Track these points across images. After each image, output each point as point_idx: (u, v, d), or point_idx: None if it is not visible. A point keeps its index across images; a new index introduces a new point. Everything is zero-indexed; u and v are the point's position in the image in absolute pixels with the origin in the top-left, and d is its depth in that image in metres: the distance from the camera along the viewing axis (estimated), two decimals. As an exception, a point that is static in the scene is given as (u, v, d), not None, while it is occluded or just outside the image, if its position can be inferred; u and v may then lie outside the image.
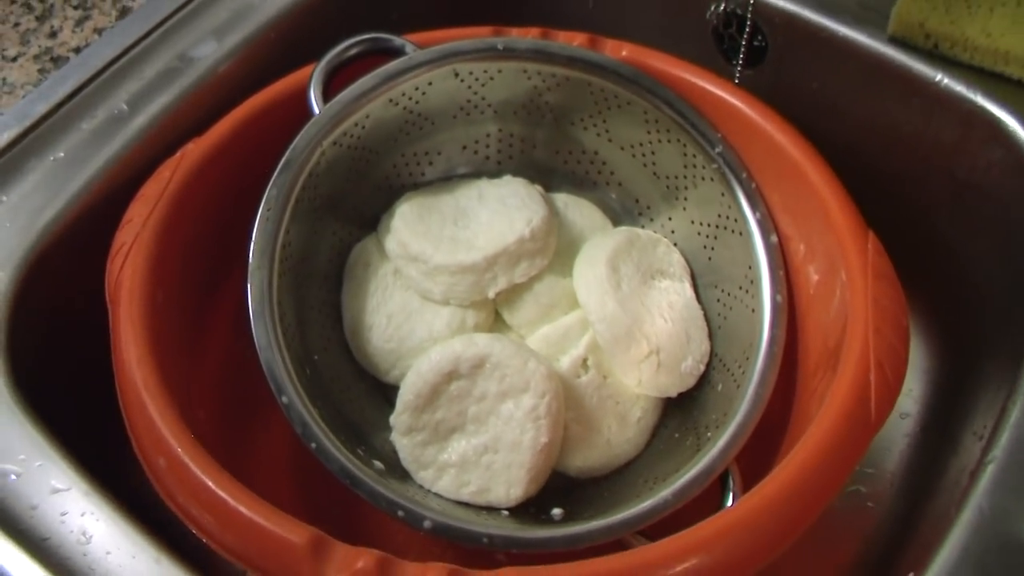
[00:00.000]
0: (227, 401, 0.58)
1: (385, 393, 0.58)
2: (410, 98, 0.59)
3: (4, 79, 0.63)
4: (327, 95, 0.57)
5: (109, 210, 0.53)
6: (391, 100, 0.58)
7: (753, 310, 0.56)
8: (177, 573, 0.43)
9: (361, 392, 0.59)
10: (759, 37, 0.61)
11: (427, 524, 0.47)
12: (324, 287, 0.60)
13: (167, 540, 0.45)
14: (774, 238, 0.56)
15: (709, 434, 0.54)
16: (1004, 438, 0.44)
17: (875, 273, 0.48)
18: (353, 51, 0.58)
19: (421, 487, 0.54)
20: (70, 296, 0.54)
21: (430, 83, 0.59)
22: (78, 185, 0.55)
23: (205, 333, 0.57)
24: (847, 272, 0.49)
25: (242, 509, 0.41)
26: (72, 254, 0.54)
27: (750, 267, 0.56)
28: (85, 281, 0.52)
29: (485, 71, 0.59)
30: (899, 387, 0.45)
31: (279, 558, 0.41)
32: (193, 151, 0.55)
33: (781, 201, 0.55)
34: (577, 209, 0.63)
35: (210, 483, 0.42)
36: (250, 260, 0.52)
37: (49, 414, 0.50)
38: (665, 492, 0.49)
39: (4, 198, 0.54)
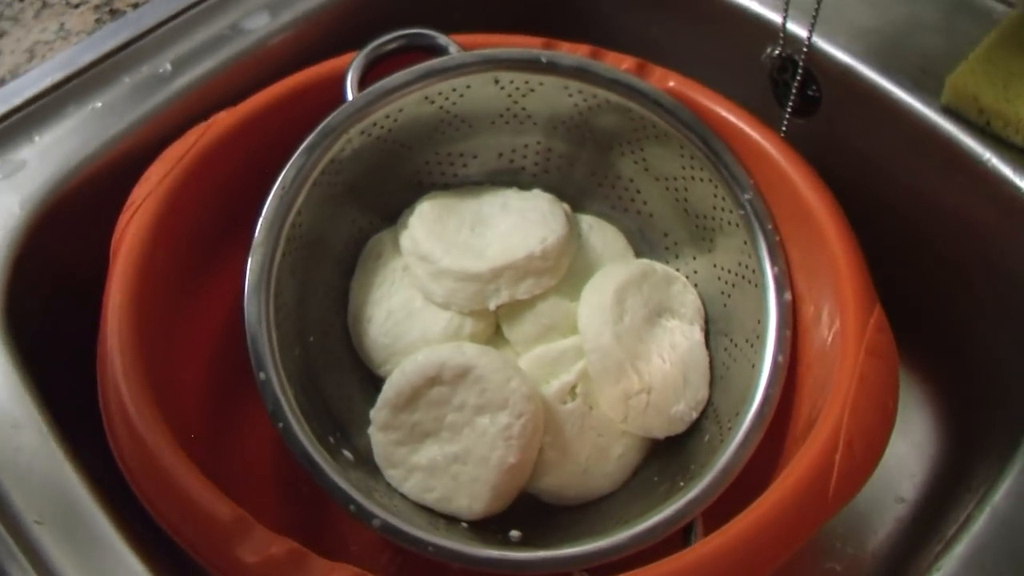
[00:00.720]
0: (215, 375, 0.58)
1: (377, 386, 0.58)
2: (447, 98, 0.59)
3: (62, 24, 0.65)
4: (364, 85, 0.57)
5: (135, 165, 0.54)
6: (427, 97, 0.58)
7: (753, 365, 0.54)
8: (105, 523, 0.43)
9: (353, 380, 0.59)
10: (813, 87, 0.59)
11: (376, 523, 0.47)
12: (335, 272, 0.60)
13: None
14: (788, 296, 0.54)
15: (682, 484, 0.52)
16: (959, 548, 0.41)
17: (869, 349, 0.45)
18: (395, 44, 0.58)
19: (388, 485, 0.54)
20: (81, 245, 0.54)
21: (468, 86, 0.58)
22: (110, 135, 0.57)
23: (202, 304, 0.57)
24: (842, 343, 0.47)
25: (178, 477, 0.42)
26: (92, 202, 0.55)
27: (759, 321, 0.55)
28: (98, 232, 0.53)
29: (526, 82, 0.59)
30: (869, 470, 0.43)
31: (203, 531, 0.41)
32: (223, 120, 0.56)
33: (800, 258, 0.53)
34: (601, 234, 0.62)
35: (152, 446, 0.43)
36: (255, 235, 0.53)
37: (44, 362, 0.51)
38: (622, 535, 0.48)
39: (37, 138, 0.56)
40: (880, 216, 0.54)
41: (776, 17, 0.57)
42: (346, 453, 0.53)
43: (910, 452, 0.60)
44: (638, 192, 0.62)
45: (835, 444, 0.42)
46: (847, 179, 0.55)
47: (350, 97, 0.57)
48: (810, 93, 0.60)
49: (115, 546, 0.43)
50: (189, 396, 0.55)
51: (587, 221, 0.62)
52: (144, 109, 0.58)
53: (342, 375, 0.58)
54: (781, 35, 0.56)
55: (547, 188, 0.63)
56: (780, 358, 0.53)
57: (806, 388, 0.51)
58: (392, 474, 0.54)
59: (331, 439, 0.52)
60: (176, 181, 0.53)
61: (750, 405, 0.52)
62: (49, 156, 0.55)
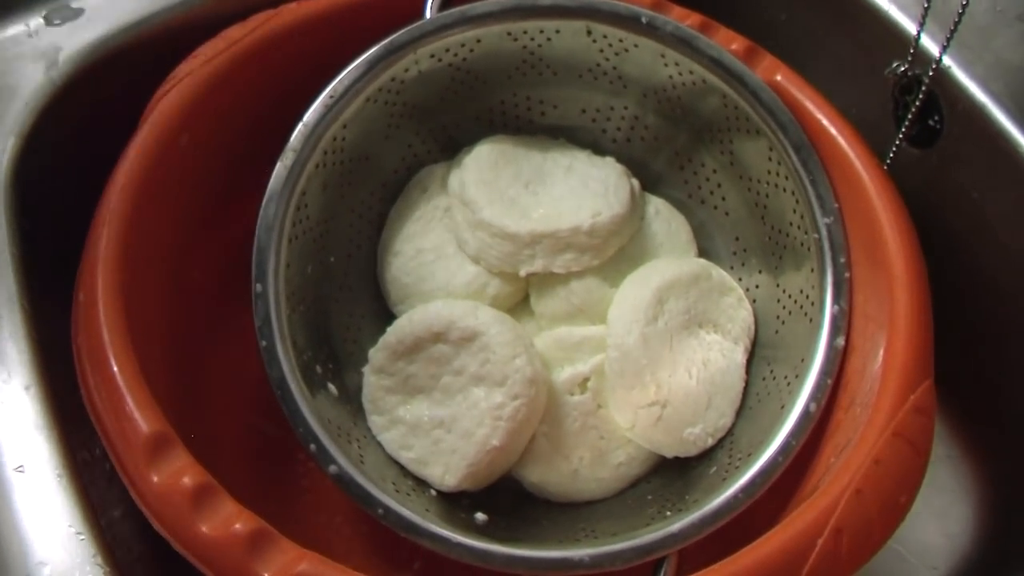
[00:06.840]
0: (225, 282, 0.54)
1: (389, 323, 0.54)
2: (532, 39, 0.54)
3: None
4: (447, 8, 0.52)
5: (190, 40, 0.51)
6: (510, 33, 0.53)
7: (783, 407, 0.48)
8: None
9: (367, 313, 0.56)
10: (936, 117, 0.52)
11: (333, 469, 0.44)
12: (378, 194, 0.56)
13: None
14: (840, 342, 0.48)
15: (669, 513, 0.48)
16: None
17: (898, 430, 0.39)
18: (492, -31, 0.53)
19: (368, 431, 0.51)
20: (113, 112, 0.50)
21: (557, 31, 0.53)
22: (173, 2, 0.54)
23: (224, 206, 0.53)
24: (871, 413, 0.41)
25: (115, 369, 0.40)
26: (137, 68, 0.52)
27: (803, 360, 0.49)
28: (133, 104, 0.49)
29: (621, 40, 0.53)
30: (853, 567, 0.37)
31: (163, 499, 0.38)
32: (291, 11, 0.53)
33: (862, 303, 0.47)
34: (666, 221, 0.56)
35: (106, 337, 0.40)
36: (291, 139, 0.50)
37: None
38: (584, 552, 0.44)
39: (98, -10, 0.53)
40: (972, 280, 0.47)
41: (912, 28, 0.50)
42: (331, 387, 0.50)
43: (940, 543, 0.54)
44: (718, 186, 0.57)
45: (822, 527, 0.37)
46: (946, 230, 0.48)
47: (428, 16, 0.53)
48: (930, 123, 0.53)
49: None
50: (197, 289, 0.52)
51: (655, 205, 0.57)
52: (216, -18, 0.54)
53: (355, 304, 0.55)
54: (911, 50, 0.49)
55: (623, 159, 0.58)
56: (812, 407, 0.47)
57: (827, 449, 0.45)
58: (375, 420, 0.51)
59: (319, 368, 0.50)
60: (224, 65, 0.50)
61: (766, 449, 0.47)
62: (106, 11, 0.52)
